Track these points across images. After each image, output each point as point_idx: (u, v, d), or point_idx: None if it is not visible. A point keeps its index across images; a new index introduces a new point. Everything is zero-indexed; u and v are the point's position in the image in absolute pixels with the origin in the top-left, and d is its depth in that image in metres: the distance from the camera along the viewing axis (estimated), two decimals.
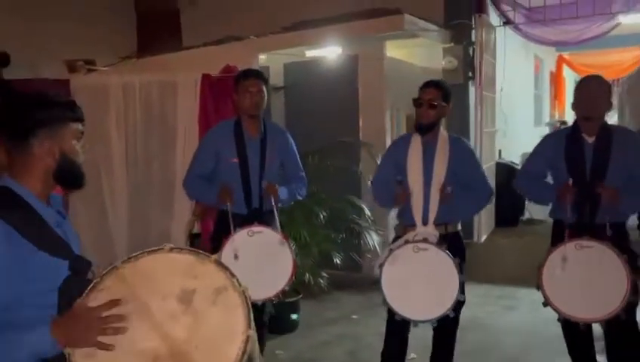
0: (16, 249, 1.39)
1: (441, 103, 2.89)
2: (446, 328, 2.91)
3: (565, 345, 3.02)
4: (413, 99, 2.93)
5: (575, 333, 2.86)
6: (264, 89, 3.15)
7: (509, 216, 6.70)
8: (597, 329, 2.93)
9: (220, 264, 1.41)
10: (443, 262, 2.67)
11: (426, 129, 2.90)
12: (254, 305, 3.01)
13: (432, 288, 2.69)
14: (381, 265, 2.74)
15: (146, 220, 4.27)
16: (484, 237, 6.15)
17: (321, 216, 4.21)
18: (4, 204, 1.44)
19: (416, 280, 2.71)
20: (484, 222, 6.18)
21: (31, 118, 1.50)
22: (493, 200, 3.19)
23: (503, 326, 4.29)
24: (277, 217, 3.04)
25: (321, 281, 4.32)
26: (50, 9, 6.32)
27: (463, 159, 2.95)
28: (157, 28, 7.49)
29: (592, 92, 2.79)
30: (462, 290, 2.67)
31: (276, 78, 5.82)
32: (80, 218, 4.32)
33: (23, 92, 1.71)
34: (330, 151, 4.66)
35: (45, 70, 5.04)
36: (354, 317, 4.52)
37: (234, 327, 1.33)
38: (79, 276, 1.49)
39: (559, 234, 2.78)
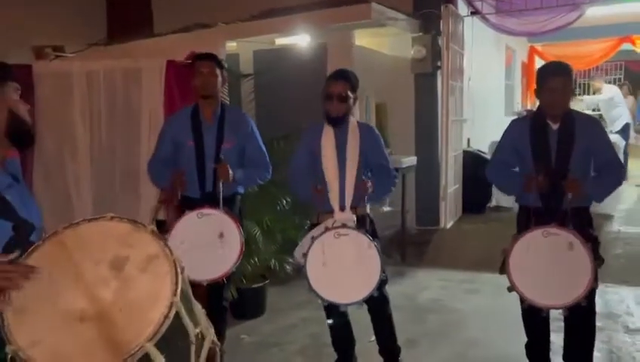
0: None
1: (350, 95, 2.97)
2: (379, 308, 3.10)
3: (523, 326, 3.09)
4: (323, 94, 2.99)
5: (534, 317, 2.92)
6: (217, 71, 3.20)
7: (476, 203, 6.82)
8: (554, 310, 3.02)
9: (155, 233, 1.49)
10: (363, 245, 2.78)
11: (337, 121, 2.99)
12: (213, 288, 3.06)
13: (356, 271, 2.79)
14: (305, 254, 2.82)
15: (111, 207, 4.18)
16: (450, 224, 6.27)
17: (285, 202, 4.25)
18: None
19: (340, 265, 2.80)
20: (450, 208, 6.30)
21: None
22: (396, 182, 3.21)
23: (464, 308, 4.40)
24: (221, 198, 3.03)
25: (287, 267, 4.36)
26: None
27: (372, 145, 3.08)
28: (127, 14, 7.38)
29: (556, 94, 2.76)
30: (383, 269, 2.80)
31: (246, 65, 5.84)
32: (44, 203, 4.28)
33: None
34: (297, 138, 4.68)
35: (13, 57, 4.96)
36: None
37: (160, 293, 1.40)
38: (22, 238, 1.57)
39: (525, 220, 2.83)
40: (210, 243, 2.93)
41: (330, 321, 3.15)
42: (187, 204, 3.08)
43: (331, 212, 2.96)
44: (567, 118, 2.84)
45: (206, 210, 2.99)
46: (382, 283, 2.86)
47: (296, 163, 3.18)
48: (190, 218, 2.97)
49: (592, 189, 2.82)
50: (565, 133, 2.82)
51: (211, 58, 3.23)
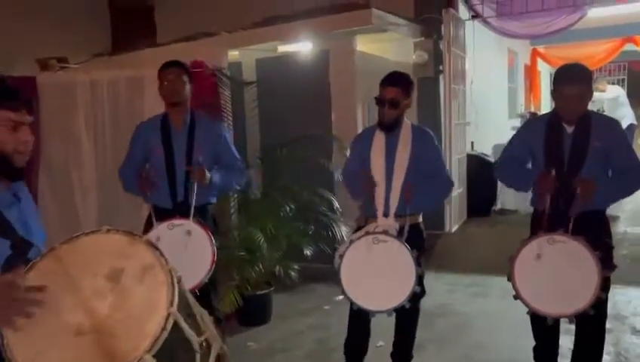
0: None
1: (403, 100, 2.92)
2: (406, 317, 2.99)
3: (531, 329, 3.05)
4: (375, 98, 2.94)
5: (542, 321, 2.85)
6: (183, 78, 3.15)
7: (481, 206, 6.80)
8: None
9: (150, 244, 1.48)
10: (401, 254, 2.72)
11: (389, 127, 2.95)
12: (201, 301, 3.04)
13: (389, 279, 2.74)
14: (341, 256, 2.80)
15: (116, 217, 4.27)
16: (455, 227, 6.25)
17: (288, 209, 4.25)
18: None
19: (375, 271, 2.76)
20: (455, 212, 6.29)
21: None
22: (452, 191, 3.05)
23: (471, 312, 4.39)
24: (193, 204, 2.96)
25: (292, 273, 4.36)
26: (25, 7, 6.28)
27: (426, 149, 2.99)
28: (131, 25, 7.47)
29: (570, 102, 2.67)
30: (418, 282, 2.72)
31: (248, 73, 5.85)
32: (51, 214, 4.32)
33: None
34: (301, 145, 4.70)
35: (20, 69, 5.00)
36: (326, 307, 4.57)
37: (157, 304, 1.38)
38: (20, 256, 1.56)
39: (537, 224, 2.74)
40: (183, 253, 2.84)
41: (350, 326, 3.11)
42: (158, 215, 3.01)
43: (376, 217, 2.94)
44: (584, 121, 2.73)
45: (177, 221, 2.92)
46: (416, 296, 2.78)
47: (350, 167, 3.16)
48: (161, 229, 2.90)
49: (604, 192, 2.71)
50: (580, 137, 2.73)
51: (177, 65, 3.17)
